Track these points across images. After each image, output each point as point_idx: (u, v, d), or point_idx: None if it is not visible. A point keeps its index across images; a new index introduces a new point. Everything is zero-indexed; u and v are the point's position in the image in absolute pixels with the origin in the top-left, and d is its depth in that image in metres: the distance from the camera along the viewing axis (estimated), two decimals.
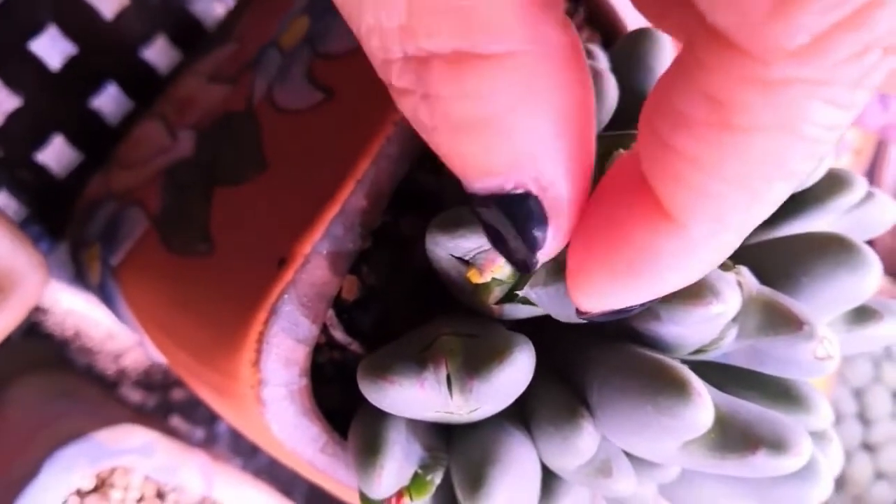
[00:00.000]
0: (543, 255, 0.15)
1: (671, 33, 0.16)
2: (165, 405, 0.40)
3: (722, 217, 0.12)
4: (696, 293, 0.17)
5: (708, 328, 0.18)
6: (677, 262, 0.13)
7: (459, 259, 0.18)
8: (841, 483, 0.47)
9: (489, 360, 0.18)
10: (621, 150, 0.18)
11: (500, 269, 0.18)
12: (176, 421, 0.41)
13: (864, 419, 0.47)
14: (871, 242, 0.56)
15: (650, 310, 0.18)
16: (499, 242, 0.15)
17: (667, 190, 0.12)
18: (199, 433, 0.42)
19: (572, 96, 0.13)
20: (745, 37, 0.10)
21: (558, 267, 0.18)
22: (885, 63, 0.10)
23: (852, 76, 0.10)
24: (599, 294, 0.14)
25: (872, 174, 0.53)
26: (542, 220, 0.14)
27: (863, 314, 0.21)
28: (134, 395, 0.39)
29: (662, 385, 0.17)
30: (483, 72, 0.12)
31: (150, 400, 0.40)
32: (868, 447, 0.47)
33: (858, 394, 0.47)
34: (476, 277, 0.18)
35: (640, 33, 0.22)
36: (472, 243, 0.18)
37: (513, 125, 0.12)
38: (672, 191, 0.12)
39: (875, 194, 0.22)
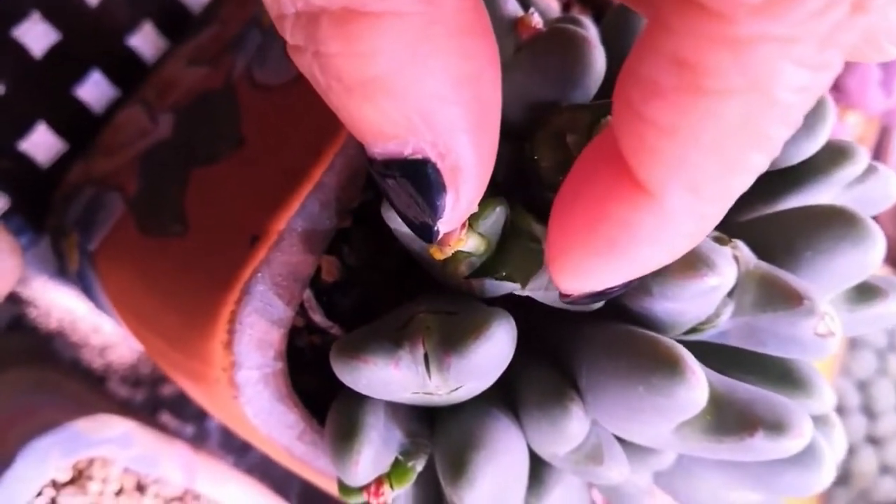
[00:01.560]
0: (444, 225, 0.14)
1: (635, 2, 0.15)
2: (154, 401, 0.40)
3: (697, 187, 0.11)
4: (689, 265, 0.16)
5: (703, 303, 0.17)
6: (656, 238, 0.12)
7: None
8: (846, 477, 0.46)
9: (467, 336, 0.17)
10: (609, 118, 0.17)
11: (461, 243, 0.17)
12: (165, 417, 0.40)
13: (868, 412, 0.46)
14: None
15: (642, 285, 0.17)
16: (399, 209, 0.14)
17: (640, 162, 0.12)
18: (189, 430, 0.41)
19: (469, 63, 0.12)
20: None
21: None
22: (853, 21, 0.10)
23: (819, 33, 0.10)
24: (580, 274, 0.14)
25: (876, 160, 0.52)
26: (441, 188, 0.13)
27: (867, 292, 0.20)
28: (121, 391, 0.38)
29: (654, 363, 0.16)
30: (370, 30, 0.12)
31: (137, 395, 0.39)
32: (873, 440, 0.46)
33: (863, 386, 0.46)
34: (438, 254, 0.17)
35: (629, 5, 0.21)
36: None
37: (403, 87, 0.12)
38: (645, 162, 0.12)
39: (878, 168, 0.21)
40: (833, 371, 0.45)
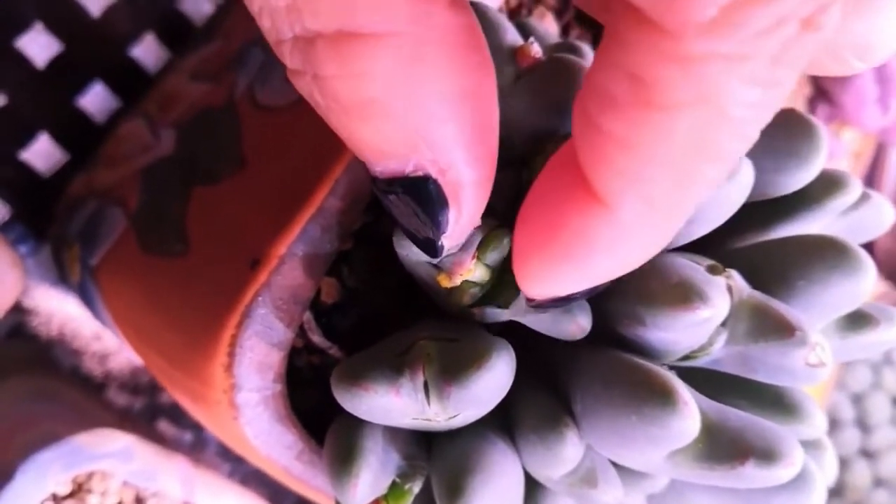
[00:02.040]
0: (448, 240, 0.15)
1: (596, 14, 0.15)
2: (152, 409, 0.40)
3: (652, 199, 0.12)
4: (682, 297, 0.16)
5: (696, 334, 0.18)
6: (612, 248, 0.13)
7: (429, 262, 0.18)
8: (839, 490, 0.47)
9: (467, 366, 0.17)
10: None
11: (470, 272, 0.17)
12: (163, 425, 0.40)
13: (863, 425, 0.46)
14: (870, 245, 0.55)
15: (635, 315, 0.17)
16: (403, 226, 0.15)
17: (596, 172, 0.12)
18: (188, 437, 0.41)
19: (464, 79, 0.13)
20: (658, 11, 0.10)
21: None
22: (804, 39, 0.10)
23: (769, 51, 0.10)
24: (541, 280, 0.14)
25: (872, 178, 0.52)
26: (443, 204, 0.14)
27: (859, 320, 0.20)
28: (120, 399, 0.39)
29: (647, 393, 0.17)
30: (364, 52, 0.12)
31: (136, 403, 0.39)
32: (867, 454, 0.46)
33: (857, 400, 0.46)
34: (445, 281, 0.17)
35: None
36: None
37: (400, 107, 0.12)
38: (600, 173, 0.12)
39: (871, 196, 0.21)
40: (828, 385, 0.45)
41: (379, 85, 0.12)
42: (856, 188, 0.20)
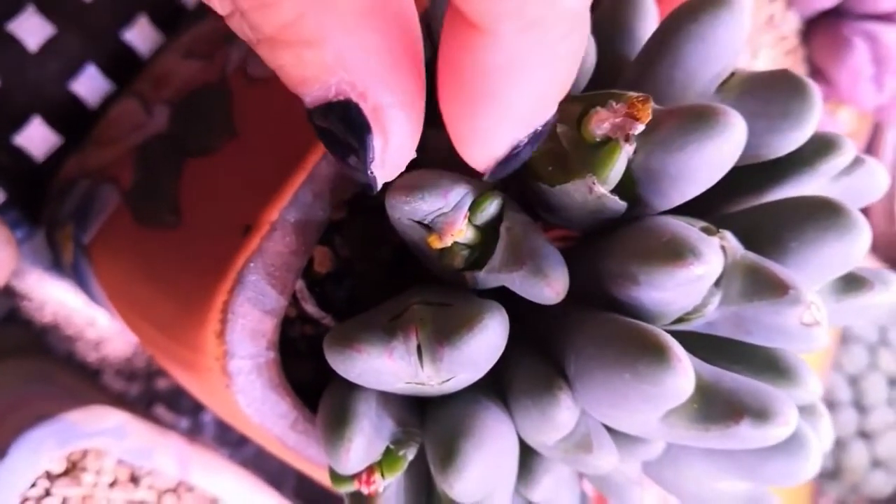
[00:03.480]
0: (378, 168, 0.14)
1: None
2: (149, 394, 0.40)
3: (522, 13, 0.12)
4: (676, 254, 0.16)
5: (689, 292, 0.17)
6: (512, 74, 0.13)
7: (420, 224, 0.18)
8: (837, 471, 0.46)
9: (459, 328, 0.17)
10: (598, 108, 0.17)
11: (460, 233, 0.17)
12: (160, 411, 0.40)
13: (859, 406, 0.46)
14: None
15: (628, 274, 0.17)
16: (338, 158, 0.15)
17: (468, 4, 0.12)
18: (184, 423, 0.41)
19: (375, 2, 0.13)
20: None
21: (514, 250, 0.18)
22: None
23: None
24: (472, 136, 0.14)
25: (868, 155, 0.52)
26: (366, 129, 0.14)
27: (853, 283, 0.20)
28: (116, 384, 0.39)
29: (640, 351, 0.16)
30: None
31: (132, 388, 0.39)
32: (864, 435, 0.46)
33: (854, 381, 0.46)
34: (436, 242, 0.17)
35: None
36: (428, 206, 0.17)
37: (312, 29, 0.13)
38: (472, 3, 0.12)
39: (865, 160, 0.21)
40: (824, 365, 0.45)
41: (288, 8, 0.12)
42: (849, 150, 0.20)
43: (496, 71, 0.12)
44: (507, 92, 0.13)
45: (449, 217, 0.17)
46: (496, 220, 0.18)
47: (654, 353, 0.16)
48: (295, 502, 0.41)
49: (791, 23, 0.40)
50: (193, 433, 0.41)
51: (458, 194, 0.17)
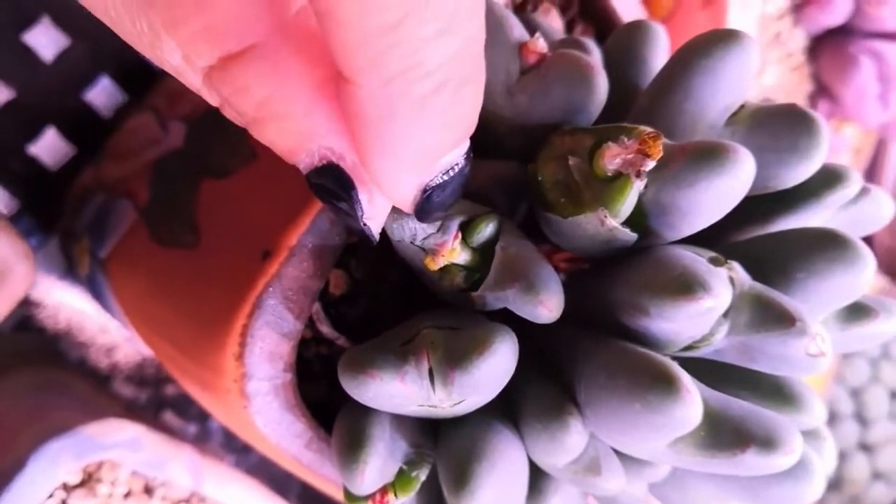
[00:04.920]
0: (370, 219, 0.16)
1: None
2: (158, 400, 0.40)
3: (381, 66, 0.12)
4: (686, 287, 0.17)
5: (698, 323, 0.18)
6: (387, 125, 0.13)
7: (419, 247, 0.18)
8: (838, 483, 0.47)
9: (470, 352, 0.17)
10: (610, 143, 0.18)
11: (452, 253, 0.18)
12: (168, 417, 0.41)
13: (861, 419, 0.46)
14: (869, 242, 0.56)
15: (639, 305, 0.18)
16: (337, 215, 0.16)
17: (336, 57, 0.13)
18: (192, 429, 0.42)
19: (324, 68, 0.14)
20: None
21: (507, 269, 0.18)
22: None
23: None
24: (378, 180, 0.15)
25: (872, 173, 0.52)
26: (349, 184, 0.15)
27: (858, 312, 0.21)
28: (126, 390, 0.39)
29: (650, 381, 0.17)
30: (240, 67, 0.14)
31: (142, 395, 0.40)
32: (865, 447, 0.47)
33: (856, 393, 0.46)
34: (431, 264, 0.18)
35: (634, 26, 0.22)
36: (415, 224, 0.18)
37: (282, 107, 0.14)
38: (343, 60, 0.13)
39: (871, 190, 0.22)
40: (827, 379, 0.45)
41: (260, 91, 0.14)
42: (856, 182, 0.20)
43: (372, 120, 0.13)
44: (388, 140, 0.14)
45: (438, 239, 0.18)
46: (493, 242, 0.19)
47: (663, 385, 0.17)
48: None
49: (798, 40, 0.41)
50: (201, 439, 0.42)
51: (446, 216, 0.18)
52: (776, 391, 0.21)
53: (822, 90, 0.42)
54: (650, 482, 0.22)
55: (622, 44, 0.22)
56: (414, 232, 0.18)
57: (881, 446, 0.47)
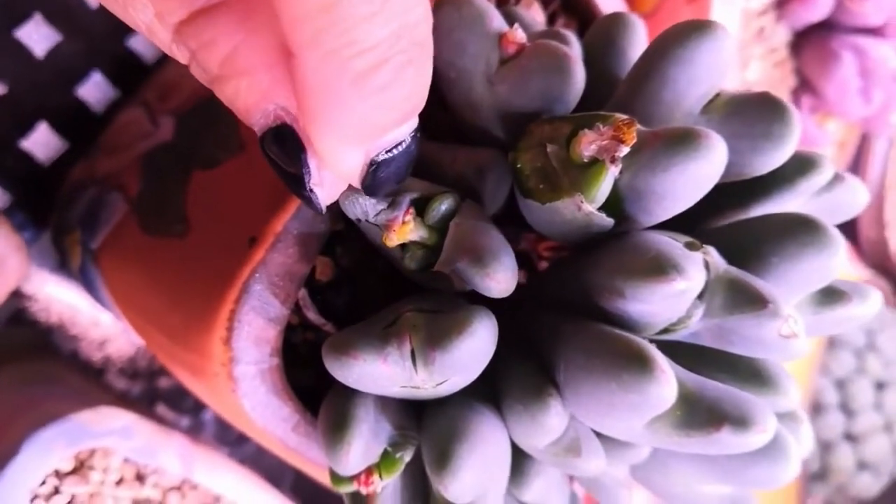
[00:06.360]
0: (317, 186, 0.16)
1: None
2: (151, 393, 0.41)
3: (318, 41, 0.13)
4: (659, 270, 0.17)
5: (673, 305, 0.18)
6: (329, 97, 0.14)
7: (375, 225, 0.19)
8: (824, 473, 0.48)
9: (449, 333, 0.18)
10: (586, 130, 0.18)
11: (405, 229, 0.18)
12: (162, 409, 0.41)
13: (846, 410, 0.47)
14: (853, 234, 0.57)
15: (615, 288, 0.18)
16: (285, 179, 0.16)
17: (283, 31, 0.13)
18: (185, 421, 0.42)
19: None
20: None
21: (458, 244, 0.19)
22: None
23: None
24: (324, 153, 0.15)
25: (857, 166, 0.53)
26: (300, 148, 0.15)
27: (832, 296, 0.21)
28: (119, 383, 0.39)
29: (626, 362, 0.17)
30: (209, 21, 0.14)
31: (135, 387, 0.40)
32: (851, 437, 0.47)
33: (841, 384, 0.47)
34: (387, 240, 0.18)
35: (612, 18, 0.23)
36: (365, 202, 0.18)
37: (245, 63, 0.15)
38: (289, 36, 0.13)
39: (845, 177, 0.22)
40: (812, 370, 0.46)
41: (225, 45, 0.14)
42: (828, 168, 0.21)
43: (314, 93, 0.14)
44: (329, 112, 0.14)
45: (389, 214, 0.18)
46: (450, 220, 0.19)
47: (638, 365, 0.17)
48: (293, 498, 0.42)
49: (781, 35, 0.41)
50: (194, 431, 0.42)
51: (397, 193, 0.18)
52: (753, 374, 0.21)
53: (805, 85, 0.42)
54: (631, 464, 0.23)
55: (601, 35, 0.22)
56: (365, 208, 0.19)
57: (866, 436, 0.48)
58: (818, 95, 0.42)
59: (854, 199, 0.23)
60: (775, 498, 0.46)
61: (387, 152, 0.15)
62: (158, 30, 0.15)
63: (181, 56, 0.15)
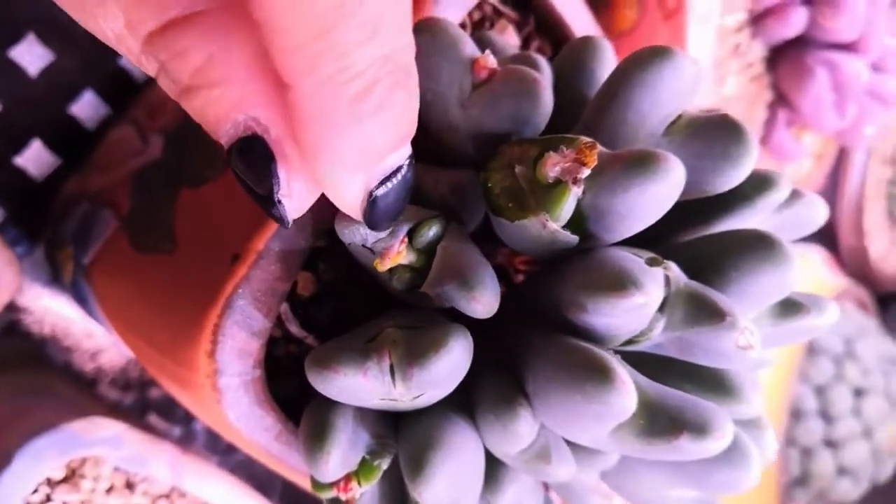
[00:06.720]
0: (286, 198, 0.16)
1: None
2: (143, 403, 0.41)
3: (314, 69, 0.13)
4: (619, 285, 0.18)
5: (635, 318, 0.19)
6: (324, 126, 0.14)
7: (368, 249, 0.20)
8: (805, 479, 0.48)
9: (427, 350, 0.19)
10: (551, 152, 0.19)
11: (399, 256, 0.19)
12: (154, 419, 0.42)
13: (826, 416, 0.48)
14: (834, 243, 0.57)
15: (578, 302, 0.19)
16: (252, 194, 0.16)
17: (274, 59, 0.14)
18: (177, 431, 0.43)
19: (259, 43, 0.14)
20: None
21: (445, 267, 0.20)
22: None
23: None
24: (324, 184, 0.15)
25: (836, 177, 0.54)
26: (270, 159, 0.15)
27: (791, 308, 0.22)
28: (111, 393, 0.40)
29: (588, 373, 0.18)
30: (182, 32, 0.14)
31: (127, 398, 0.41)
32: (831, 443, 0.48)
33: (820, 391, 0.48)
34: (379, 265, 0.19)
35: (582, 41, 0.24)
36: (366, 230, 0.19)
37: (218, 73, 0.15)
38: (282, 65, 0.14)
39: (804, 194, 0.23)
40: (792, 377, 0.47)
41: (197, 56, 0.14)
42: (785, 186, 0.22)
43: (312, 122, 0.14)
44: (329, 140, 0.14)
45: (386, 243, 0.19)
46: (438, 244, 0.20)
47: (599, 376, 0.18)
48: None
49: (756, 51, 0.42)
50: (185, 441, 0.43)
51: (396, 222, 0.19)
52: (717, 383, 0.22)
53: (781, 99, 0.43)
54: (601, 470, 0.24)
55: (571, 58, 0.23)
56: (365, 236, 0.19)
57: (846, 442, 0.49)
58: (794, 109, 0.43)
59: (814, 214, 0.24)
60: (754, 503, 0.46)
61: (385, 183, 0.16)
62: (127, 39, 0.15)
63: (150, 68, 0.15)
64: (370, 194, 0.16)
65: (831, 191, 0.55)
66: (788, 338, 0.23)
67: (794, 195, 0.23)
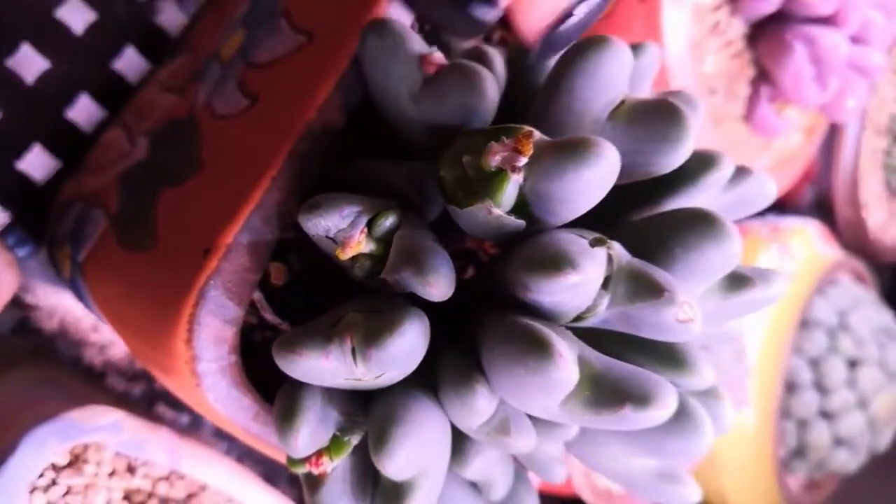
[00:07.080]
0: None
1: None
2: (151, 393, 0.43)
3: None
4: (555, 265, 0.19)
5: (577, 296, 0.20)
6: None
7: (330, 239, 0.21)
8: (802, 450, 0.49)
9: (384, 331, 0.20)
10: (492, 143, 0.20)
11: (359, 245, 0.20)
12: (162, 408, 0.44)
13: (821, 388, 0.48)
14: (831, 215, 0.58)
15: (521, 282, 0.20)
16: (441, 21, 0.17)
17: None
18: (185, 419, 0.45)
19: None
20: None
21: (401, 255, 0.21)
22: None
23: None
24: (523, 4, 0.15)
25: (830, 149, 0.54)
26: None
27: (738, 281, 0.23)
28: (120, 385, 0.42)
29: (530, 348, 0.19)
30: None
31: (135, 389, 0.43)
32: (826, 415, 0.49)
33: (815, 363, 0.48)
34: (340, 254, 0.20)
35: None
36: (328, 222, 0.20)
37: None
38: None
39: (752, 172, 0.24)
40: (785, 350, 0.48)
41: None
42: (727, 166, 0.23)
43: None
44: None
45: (347, 233, 0.21)
46: (395, 232, 0.21)
47: (540, 350, 0.19)
48: (289, 491, 0.44)
49: (736, 28, 0.43)
50: (194, 428, 0.45)
51: (352, 212, 0.21)
52: (669, 356, 0.23)
53: (763, 75, 0.44)
54: (564, 441, 0.25)
55: (522, 50, 0.24)
56: (327, 227, 0.21)
57: (842, 413, 0.49)
58: (775, 85, 0.43)
59: (762, 191, 0.24)
60: (749, 478, 0.47)
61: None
62: None
63: None
64: (565, 13, 0.15)
65: (826, 164, 0.55)
66: (740, 310, 0.23)
67: (742, 173, 0.24)
